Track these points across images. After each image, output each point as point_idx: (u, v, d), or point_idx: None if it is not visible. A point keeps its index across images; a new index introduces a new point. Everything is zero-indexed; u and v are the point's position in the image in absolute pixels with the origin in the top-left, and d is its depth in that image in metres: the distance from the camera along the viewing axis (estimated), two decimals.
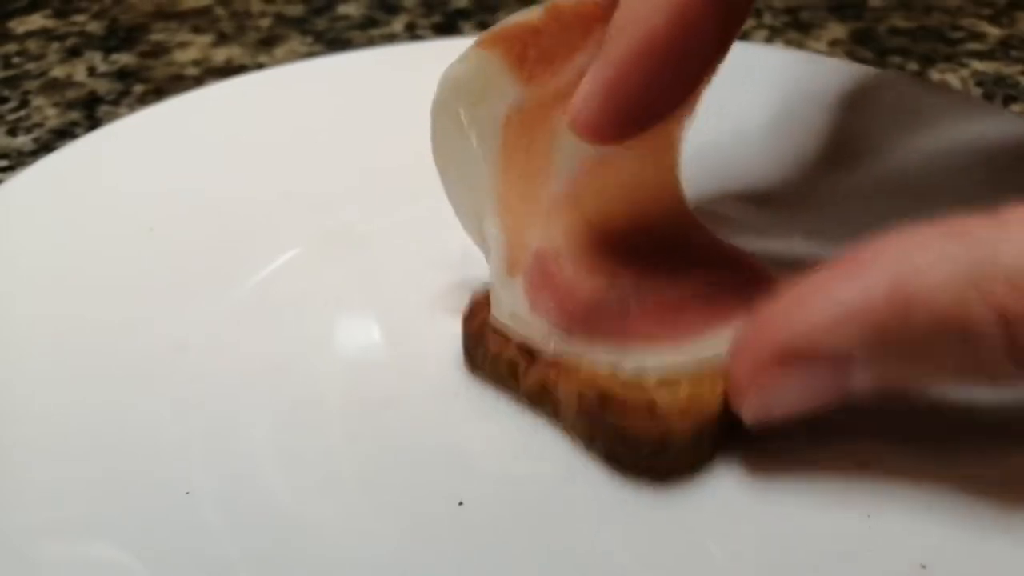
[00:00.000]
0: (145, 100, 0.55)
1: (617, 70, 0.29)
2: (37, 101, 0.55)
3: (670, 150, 0.35)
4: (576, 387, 0.30)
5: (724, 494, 0.30)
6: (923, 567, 0.27)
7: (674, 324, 0.31)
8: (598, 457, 0.31)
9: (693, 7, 0.28)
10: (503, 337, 0.32)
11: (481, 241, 0.34)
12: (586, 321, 0.31)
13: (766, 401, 0.27)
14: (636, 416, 0.29)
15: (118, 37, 0.63)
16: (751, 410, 0.28)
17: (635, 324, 0.32)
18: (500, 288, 0.32)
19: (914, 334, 0.25)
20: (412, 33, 0.64)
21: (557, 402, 0.31)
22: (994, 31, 0.62)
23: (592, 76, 0.29)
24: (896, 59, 0.59)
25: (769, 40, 0.62)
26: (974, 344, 0.24)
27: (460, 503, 0.29)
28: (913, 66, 0.58)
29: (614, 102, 0.29)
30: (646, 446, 0.29)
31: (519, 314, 0.31)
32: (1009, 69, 0.57)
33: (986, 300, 0.24)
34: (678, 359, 0.30)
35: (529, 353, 0.31)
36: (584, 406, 0.30)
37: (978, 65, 0.58)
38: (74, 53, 0.61)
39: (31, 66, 0.59)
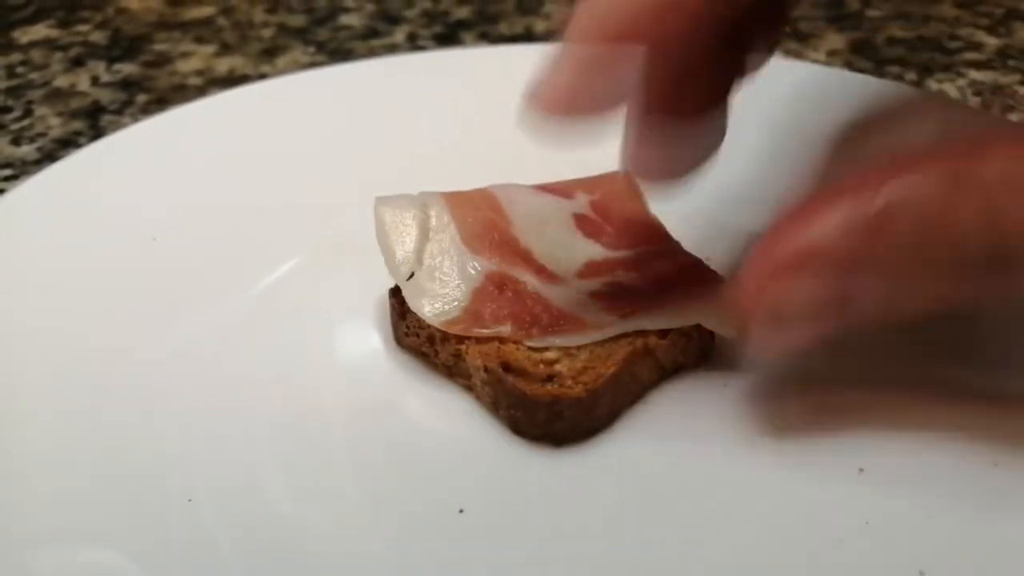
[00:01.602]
0: (148, 110, 0.55)
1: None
2: (41, 111, 0.55)
3: None
4: (483, 357, 0.32)
5: (720, 491, 0.30)
6: (921, 573, 0.27)
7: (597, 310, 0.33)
8: (504, 425, 0.32)
9: None
10: None
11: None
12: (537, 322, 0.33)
13: (776, 312, 0.28)
14: (533, 381, 0.32)
15: (121, 47, 0.64)
16: (760, 322, 0.28)
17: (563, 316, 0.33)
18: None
19: (908, 237, 0.26)
20: (413, 43, 0.64)
21: (468, 371, 0.33)
22: (992, 41, 0.62)
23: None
24: (894, 69, 0.59)
25: None
26: (959, 248, 0.26)
27: (460, 510, 0.30)
28: (911, 76, 0.58)
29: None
30: (541, 410, 0.31)
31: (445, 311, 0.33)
32: (1007, 78, 0.58)
33: (970, 206, 0.26)
34: (585, 337, 0.33)
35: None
36: (489, 374, 0.32)
37: (976, 74, 0.58)
38: (78, 63, 0.62)
39: (35, 76, 0.60)
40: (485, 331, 0.33)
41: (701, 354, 0.34)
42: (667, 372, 0.34)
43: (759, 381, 0.33)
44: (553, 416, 0.31)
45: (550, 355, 0.32)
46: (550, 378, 0.31)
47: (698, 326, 0.33)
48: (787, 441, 0.32)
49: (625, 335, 0.32)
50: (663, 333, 0.33)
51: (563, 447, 0.31)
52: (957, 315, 0.34)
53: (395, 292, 0.35)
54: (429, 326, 0.33)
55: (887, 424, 0.32)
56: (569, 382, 0.31)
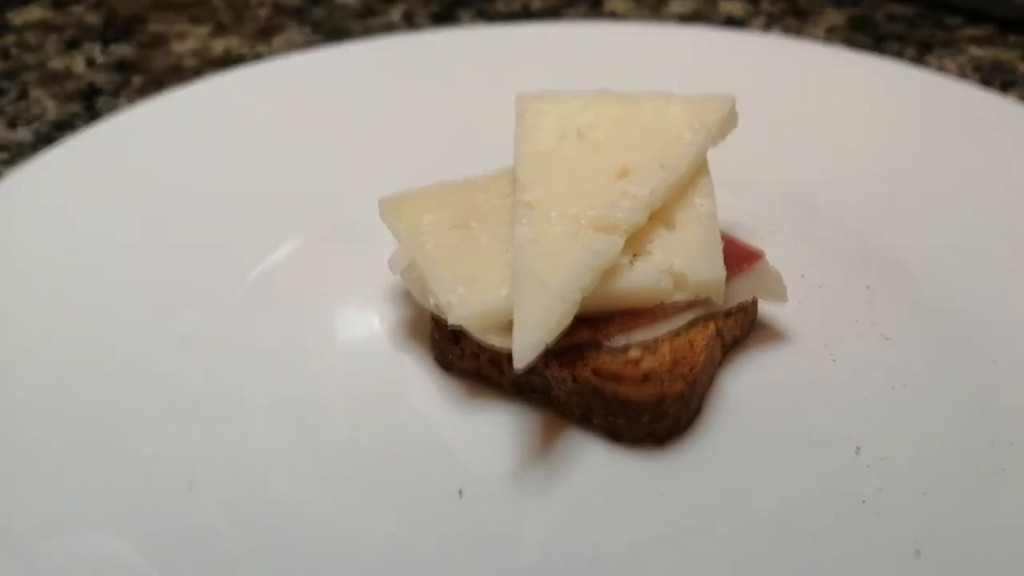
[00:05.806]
0: (144, 91, 0.55)
1: None
2: (36, 93, 0.55)
3: None
4: (568, 367, 0.31)
5: (720, 475, 0.30)
6: (917, 552, 0.28)
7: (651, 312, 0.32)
8: (598, 434, 0.32)
9: None
10: None
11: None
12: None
13: None
14: (632, 384, 0.31)
15: (116, 28, 0.63)
16: None
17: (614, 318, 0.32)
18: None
19: None
20: (410, 22, 0.64)
21: (548, 384, 0.32)
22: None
23: None
24: (894, 45, 0.59)
25: (767, 27, 0.62)
26: None
27: (460, 492, 0.30)
28: (911, 52, 0.58)
29: None
30: (647, 411, 0.31)
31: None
32: (1007, 55, 0.57)
33: None
34: (662, 328, 0.32)
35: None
36: (579, 384, 0.31)
37: (976, 51, 0.58)
38: (72, 45, 0.61)
39: (29, 58, 0.59)
40: (561, 341, 0.30)
41: (751, 326, 0.35)
42: (727, 349, 0.34)
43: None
44: (658, 416, 0.30)
45: (633, 354, 0.31)
46: (646, 377, 0.30)
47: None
48: (784, 421, 0.32)
49: (694, 320, 0.32)
50: (727, 312, 0.33)
51: (665, 445, 0.31)
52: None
53: (440, 321, 0.32)
54: (491, 347, 0.31)
55: (884, 404, 0.32)
56: (667, 378, 0.30)
